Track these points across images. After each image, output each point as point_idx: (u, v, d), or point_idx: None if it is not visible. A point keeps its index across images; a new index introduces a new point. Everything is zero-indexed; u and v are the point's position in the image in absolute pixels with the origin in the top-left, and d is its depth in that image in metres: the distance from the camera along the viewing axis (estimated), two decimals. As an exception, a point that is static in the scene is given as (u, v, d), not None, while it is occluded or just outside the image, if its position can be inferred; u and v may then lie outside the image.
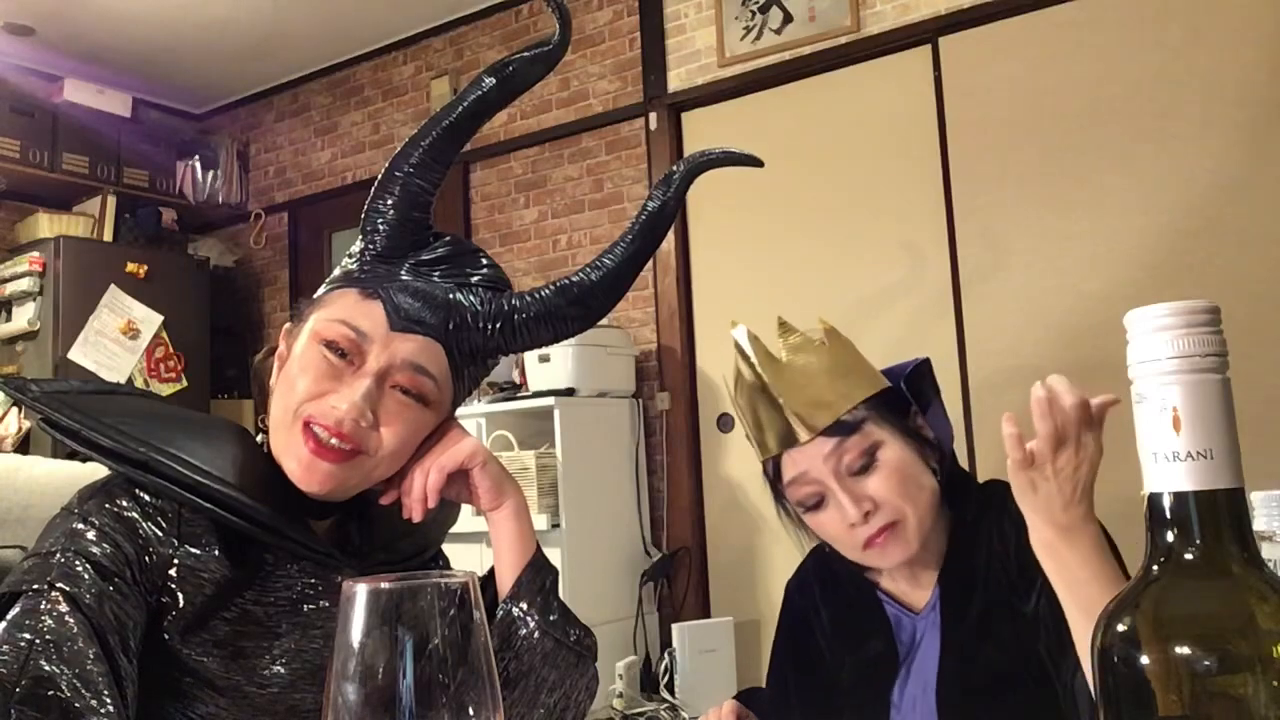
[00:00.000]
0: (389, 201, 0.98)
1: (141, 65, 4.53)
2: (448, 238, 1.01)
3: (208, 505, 0.90)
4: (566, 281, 1.00)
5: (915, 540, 1.13)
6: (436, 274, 0.98)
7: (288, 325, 1.01)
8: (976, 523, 1.16)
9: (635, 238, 1.02)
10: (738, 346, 1.19)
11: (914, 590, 1.19)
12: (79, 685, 0.78)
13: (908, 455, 1.14)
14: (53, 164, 4.39)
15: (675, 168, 1.05)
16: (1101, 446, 0.93)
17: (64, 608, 0.82)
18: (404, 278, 0.97)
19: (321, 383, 0.92)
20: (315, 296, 1.00)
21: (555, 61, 1.04)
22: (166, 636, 0.89)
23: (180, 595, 0.89)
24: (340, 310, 0.95)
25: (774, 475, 1.18)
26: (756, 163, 1.12)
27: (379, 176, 0.99)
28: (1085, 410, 0.92)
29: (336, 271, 1.01)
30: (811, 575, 1.29)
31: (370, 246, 0.98)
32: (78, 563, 0.85)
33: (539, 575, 0.99)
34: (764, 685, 1.33)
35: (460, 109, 0.99)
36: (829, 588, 1.25)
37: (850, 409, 1.12)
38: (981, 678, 1.08)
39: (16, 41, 4.22)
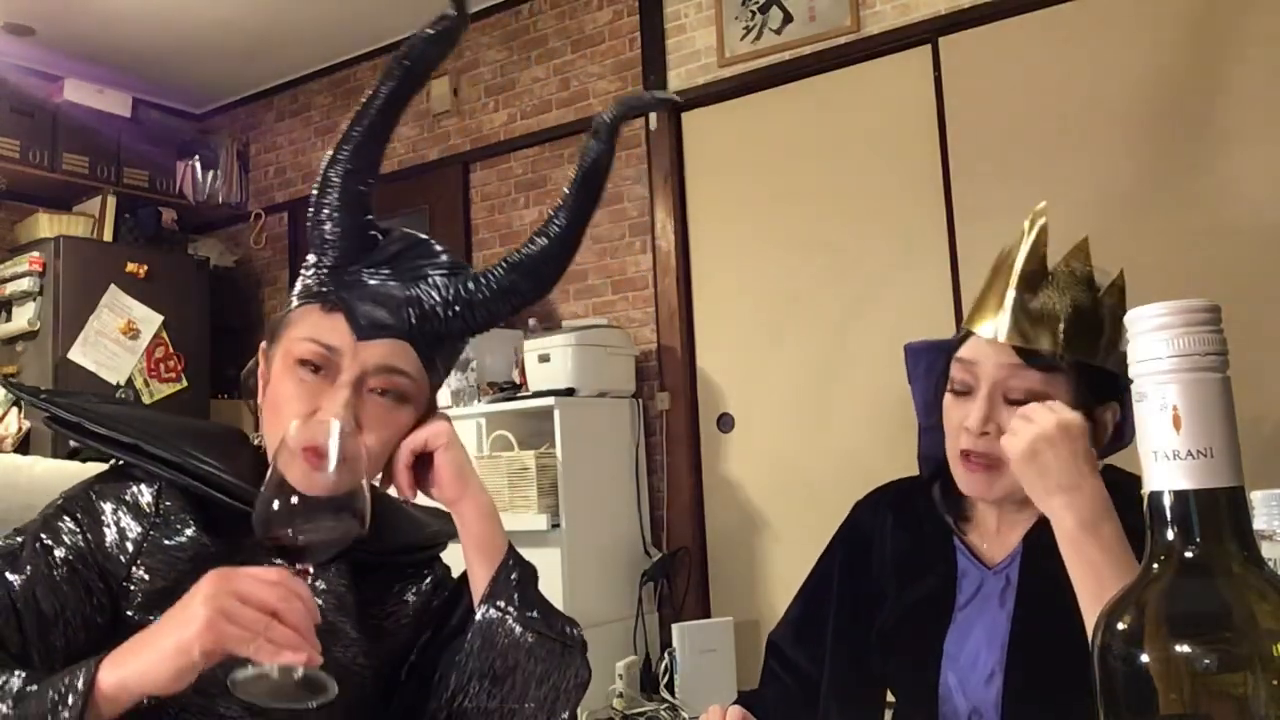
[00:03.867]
0: (331, 212, 0.99)
1: (141, 65, 4.53)
2: (397, 234, 1.02)
3: (191, 481, 0.94)
4: (518, 256, 1.01)
5: (1000, 492, 1.12)
6: (391, 273, 0.99)
7: (263, 345, 1.04)
8: None
9: (575, 198, 1.02)
10: (1029, 228, 1.14)
11: (994, 545, 1.18)
12: None
13: None
14: (53, 164, 4.39)
15: (602, 117, 1.03)
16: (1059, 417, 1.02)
17: None
18: (361, 283, 0.98)
19: (304, 404, 0.95)
20: (281, 316, 1.02)
21: (455, 37, 1.02)
22: (134, 611, 0.91)
23: (151, 573, 0.93)
24: (306, 328, 0.97)
25: (954, 342, 1.18)
26: (674, 101, 1.18)
27: (315, 189, 0.99)
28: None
29: (297, 286, 1.02)
30: (887, 503, 1.29)
31: (323, 259, 1.00)
32: (29, 546, 0.91)
33: (513, 572, 1.00)
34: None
35: (375, 109, 1.00)
36: (904, 518, 1.25)
37: (1058, 354, 1.09)
38: (1054, 644, 1.08)
39: (16, 41, 4.22)
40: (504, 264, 1.01)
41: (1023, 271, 1.11)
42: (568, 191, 1.02)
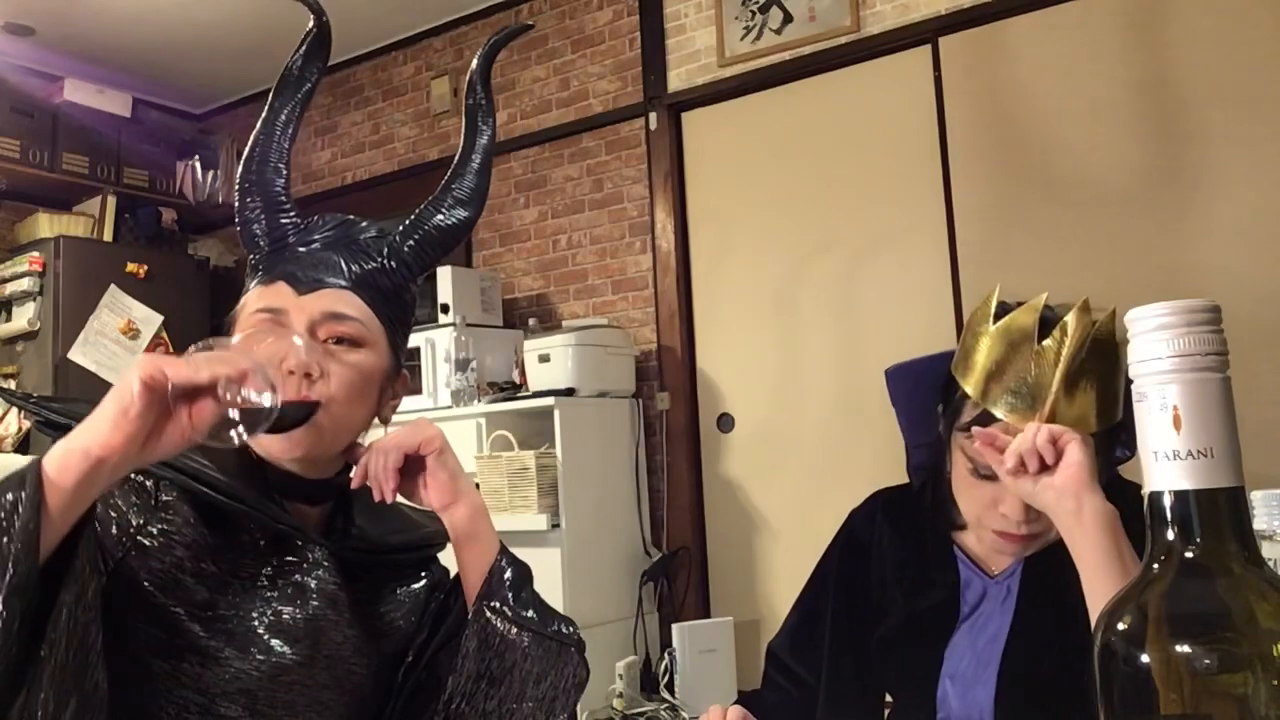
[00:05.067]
0: (258, 214, 1.05)
1: (141, 65, 4.53)
2: (325, 216, 1.07)
3: (182, 477, 0.94)
4: (439, 195, 1.09)
5: (1035, 549, 1.12)
6: (323, 244, 1.04)
7: None
8: None
9: (469, 139, 1.12)
10: (1074, 322, 1.04)
11: (996, 553, 1.17)
12: None
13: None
14: (53, 164, 4.39)
15: (472, 64, 1.15)
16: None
17: None
18: (296, 254, 1.03)
19: None
20: (231, 315, 1.07)
21: (327, 41, 1.13)
22: (148, 584, 0.91)
23: (146, 554, 0.92)
24: (252, 305, 1.01)
25: (967, 418, 1.10)
26: (528, 27, 1.29)
27: (236, 200, 1.07)
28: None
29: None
30: (881, 513, 1.28)
31: (258, 252, 1.05)
32: None
33: (506, 571, 1.00)
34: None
35: (276, 123, 1.08)
36: (901, 529, 1.24)
37: (1093, 431, 1.04)
38: (1051, 657, 1.08)
39: (16, 41, 4.22)
40: (428, 205, 1.08)
41: (1067, 368, 1.03)
42: (464, 136, 1.13)
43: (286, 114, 1.09)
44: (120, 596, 0.90)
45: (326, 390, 0.96)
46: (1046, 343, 1.04)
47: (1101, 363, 1.05)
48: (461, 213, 1.09)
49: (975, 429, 1.05)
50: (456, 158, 1.12)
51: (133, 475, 0.96)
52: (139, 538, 0.92)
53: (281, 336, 0.95)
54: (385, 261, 1.04)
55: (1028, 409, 1.04)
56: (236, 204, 1.07)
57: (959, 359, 1.12)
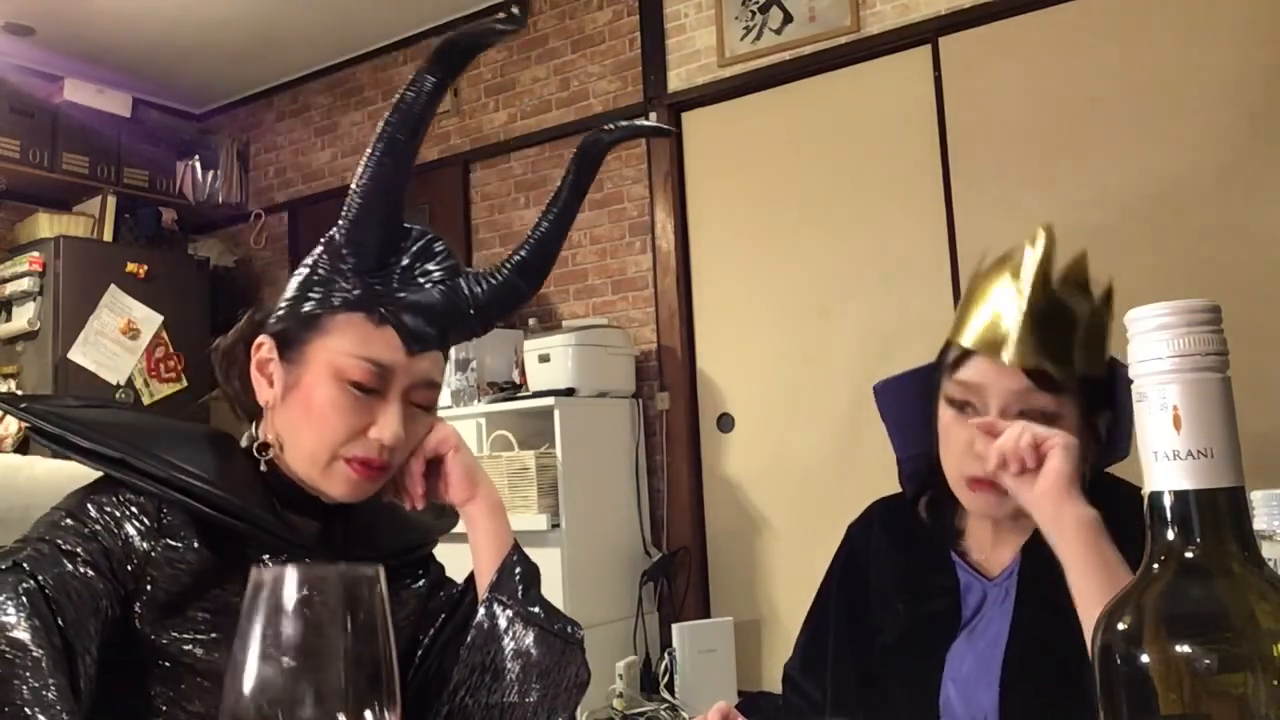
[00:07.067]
0: (373, 223, 0.97)
1: (141, 65, 4.53)
2: (437, 248, 1.01)
3: (181, 497, 0.93)
4: (519, 259, 1.03)
5: (1010, 509, 1.12)
6: (420, 279, 0.99)
7: (263, 340, 1.00)
8: None
9: (573, 205, 1.05)
10: (1034, 246, 1.10)
11: (993, 556, 1.18)
12: (12, 653, 0.79)
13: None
14: (53, 164, 4.39)
15: (601, 139, 1.05)
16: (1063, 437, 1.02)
17: (22, 585, 0.84)
18: (399, 294, 0.97)
19: (355, 419, 0.96)
20: (306, 314, 0.98)
21: (502, 39, 1.00)
22: (140, 624, 0.91)
23: (155, 584, 0.91)
24: (356, 343, 0.95)
25: (950, 360, 1.14)
26: (666, 132, 1.20)
27: (360, 190, 0.96)
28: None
29: (313, 281, 0.99)
30: (878, 523, 1.28)
31: (359, 264, 0.97)
32: (45, 547, 0.88)
33: (517, 567, 1.02)
34: (773, 679, 1.33)
35: (424, 99, 0.97)
36: (899, 538, 1.24)
37: (1068, 374, 1.07)
38: (1051, 655, 1.08)
39: (16, 41, 4.22)
40: (507, 268, 1.02)
41: (1031, 291, 1.07)
42: (561, 204, 1.04)
43: (433, 102, 0.98)
44: (127, 621, 0.90)
45: (397, 458, 0.98)
46: (1016, 279, 1.09)
47: (1074, 302, 1.09)
48: (534, 280, 1.04)
49: (974, 420, 1.08)
50: (546, 226, 1.04)
51: (134, 501, 0.94)
52: (147, 567, 0.92)
53: (376, 429, 0.95)
54: (474, 324, 1.01)
55: (997, 340, 1.08)
56: (360, 195, 0.96)
57: (954, 321, 1.17)
